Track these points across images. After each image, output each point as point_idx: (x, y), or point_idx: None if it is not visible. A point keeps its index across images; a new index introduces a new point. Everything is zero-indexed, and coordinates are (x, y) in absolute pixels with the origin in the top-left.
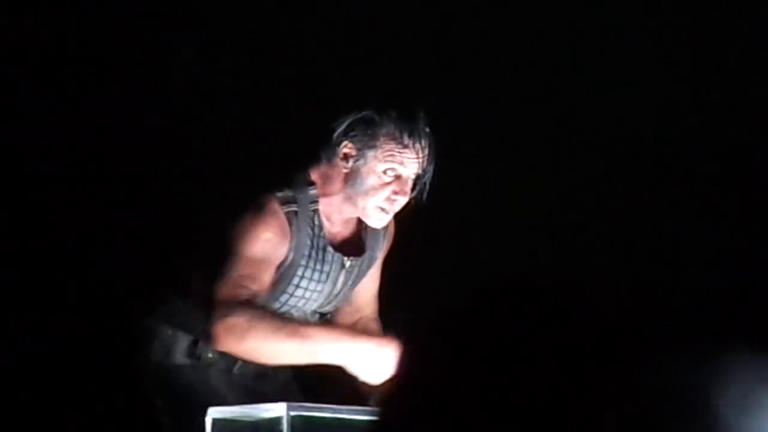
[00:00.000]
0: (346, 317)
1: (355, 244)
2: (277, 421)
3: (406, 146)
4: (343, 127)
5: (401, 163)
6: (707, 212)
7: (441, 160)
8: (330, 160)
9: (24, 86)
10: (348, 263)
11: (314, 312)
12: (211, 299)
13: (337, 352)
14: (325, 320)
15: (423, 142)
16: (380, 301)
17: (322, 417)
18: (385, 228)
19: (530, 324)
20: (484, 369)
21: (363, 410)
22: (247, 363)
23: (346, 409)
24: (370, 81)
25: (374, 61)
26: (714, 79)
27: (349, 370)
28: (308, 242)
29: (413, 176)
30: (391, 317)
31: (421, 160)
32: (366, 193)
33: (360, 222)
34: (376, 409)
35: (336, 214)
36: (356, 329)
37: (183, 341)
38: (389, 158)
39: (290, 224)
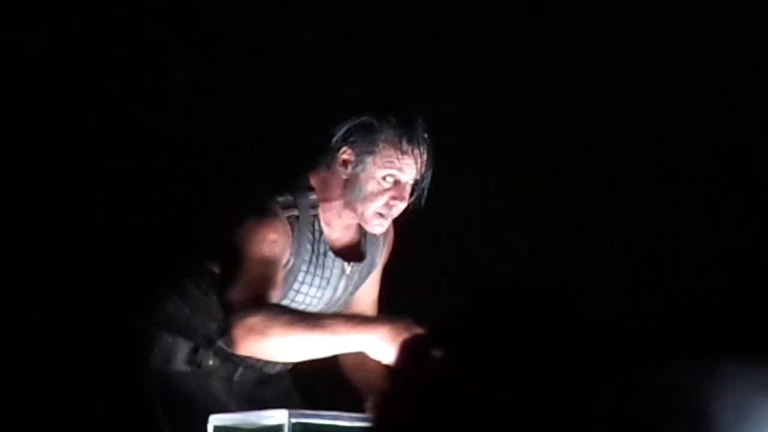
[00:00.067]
0: None
1: (355, 249)
2: (278, 428)
3: (405, 152)
4: (341, 133)
5: (400, 169)
6: (707, 213)
7: (439, 164)
8: (329, 166)
9: (25, 87)
10: (348, 269)
11: None
12: (224, 304)
13: (357, 339)
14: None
15: (422, 147)
16: (380, 307)
17: (323, 424)
18: (385, 234)
19: (528, 327)
20: (482, 373)
21: (363, 417)
22: (248, 370)
23: (347, 416)
24: (369, 86)
25: (373, 65)
26: (714, 79)
27: (371, 355)
28: (309, 247)
29: (412, 182)
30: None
31: (419, 165)
32: (365, 199)
33: (360, 228)
34: (374, 416)
35: (336, 219)
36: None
37: (183, 348)
38: (388, 164)
39: (292, 229)
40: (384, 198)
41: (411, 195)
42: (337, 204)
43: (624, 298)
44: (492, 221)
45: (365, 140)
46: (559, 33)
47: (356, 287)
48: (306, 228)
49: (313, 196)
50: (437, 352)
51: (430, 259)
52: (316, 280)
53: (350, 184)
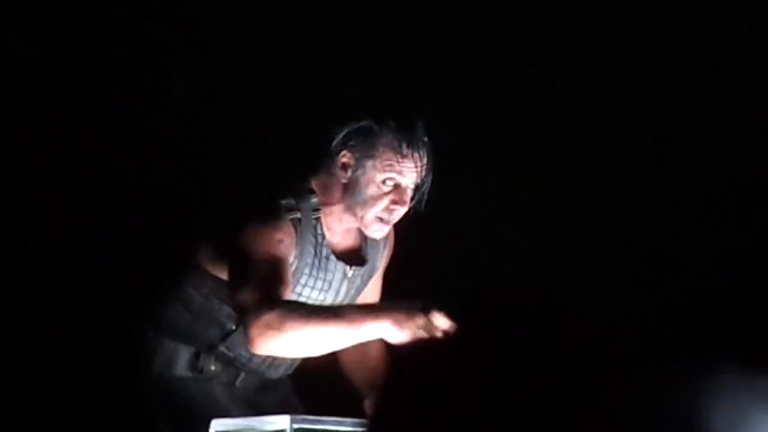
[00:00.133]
0: None
1: (356, 253)
2: None
3: (404, 156)
4: (341, 136)
5: (400, 173)
6: (707, 213)
7: (439, 164)
8: (329, 170)
9: (25, 87)
10: (350, 272)
11: None
12: (236, 307)
13: (372, 327)
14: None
15: (421, 151)
16: None
17: (325, 429)
18: (386, 238)
19: (527, 328)
20: (481, 373)
21: (365, 422)
22: (249, 375)
23: (349, 422)
24: (369, 87)
25: (373, 66)
26: (714, 79)
27: (388, 340)
28: (312, 250)
29: (412, 186)
30: None
31: (419, 169)
32: (365, 203)
33: (360, 232)
34: (374, 412)
35: (336, 223)
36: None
37: (185, 354)
38: (388, 168)
39: (295, 232)
40: (384, 202)
41: (411, 199)
42: (337, 208)
43: (624, 298)
44: (492, 221)
45: (365, 144)
46: (559, 33)
47: (358, 291)
48: (308, 231)
49: (314, 200)
50: (446, 326)
51: (430, 259)
52: (319, 283)
53: (350, 187)
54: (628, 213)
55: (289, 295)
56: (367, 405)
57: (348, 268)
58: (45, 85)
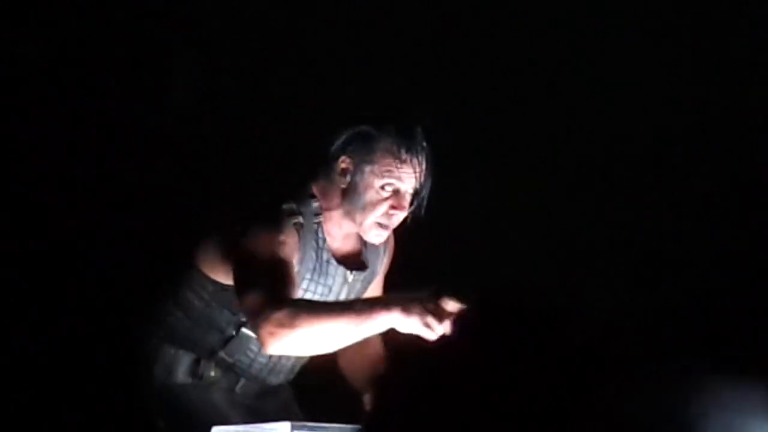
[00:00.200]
0: None
1: (356, 258)
2: None
3: (403, 161)
4: (340, 141)
5: (399, 178)
6: (707, 213)
7: (439, 165)
8: (328, 175)
9: (25, 87)
10: (351, 277)
11: None
12: (245, 310)
13: (383, 318)
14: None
15: (420, 156)
16: None
17: None
18: (385, 243)
19: (526, 331)
20: (480, 373)
21: (364, 429)
22: (249, 382)
23: (349, 428)
24: (369, 87)
25: (373, 66)
26: (714, 79)
27: (400, 329)
28: (313, 255)
29: (411, 191)
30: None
31: (418, 174)
32: (364, 208)
33: (360, 237)
34: (373, 407)
35: (336, 228)
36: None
37: (185, 360)
38: (387, 173)
39: (297, 236)
40: (383, 207)
41: (410, 204)
42: (336, 213)
43: (624, 298)
44: (492, 221)
45: (364, 149)
46: (559, 33)
47: (358, 295)
48: (310, 236)
49: (315, 204)
50: (456, 309)
51: (430, 259)
52: (320, 288)
53: (349, 193)
54: (628, 213)
55: (296, 295)
56: (367, 399)
57: (349, 272)
58: (45, 85)
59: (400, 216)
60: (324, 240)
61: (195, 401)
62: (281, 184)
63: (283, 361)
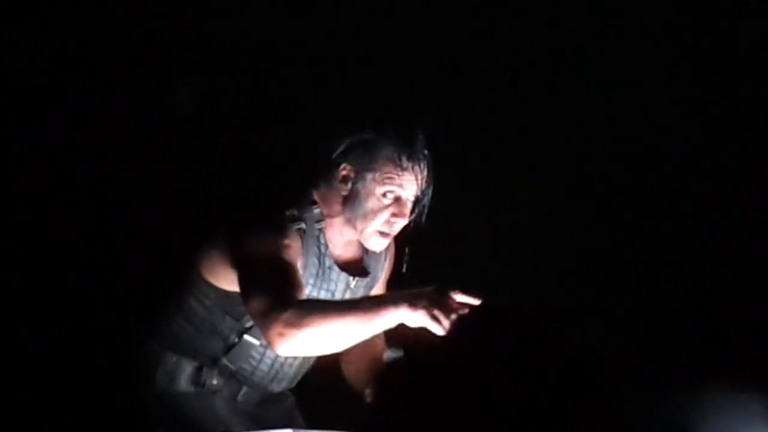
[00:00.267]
0: None
1: (358, 264)
2: None
3: (405, 169)
4: (341, 149)
5: (400, 186)
6: (707, 213)
7: (439, 164)
8: (329, 182)
9: (25, 87)
10: (353, 283)
11: None
12: (252, 314)
13: (391, 314)
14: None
15: (422, 164)
16: None
17: None
18: (386, 249)
19: (526, 332)
20: (478, 378)
21: None
22: (251, 390)
23: None
24: (369, 90)
25: (373, 69)
26: (714, 79)
27: (408, 323)
28: (316, 261)
29: (412, 198)
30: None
31: (419, 182)
32: (365, 216)
33: (361, 244)
34: (373, 403)
35: (337, 235)
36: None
37: (187, 368)
38: (388, 181)
39: (300, 241)
40: (384, 215)
41: (411, 212)
42: (337, 221)
43: (624, 298)
44: (492, 221)
45: (365, 157)
46: (559, 33)
47: None
48: (312, 242)
49: (317, 210)
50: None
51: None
52: (322, 294)
53: (350, 200)
54: (628, 213)
55: (302, 297)
56: (368, 394)
57: (351, 278)
58: (45, 86)
59: (401, 223)
60: (326, 246)
61: (197, 409)
62: (282, 190)
63: (286, 368)
